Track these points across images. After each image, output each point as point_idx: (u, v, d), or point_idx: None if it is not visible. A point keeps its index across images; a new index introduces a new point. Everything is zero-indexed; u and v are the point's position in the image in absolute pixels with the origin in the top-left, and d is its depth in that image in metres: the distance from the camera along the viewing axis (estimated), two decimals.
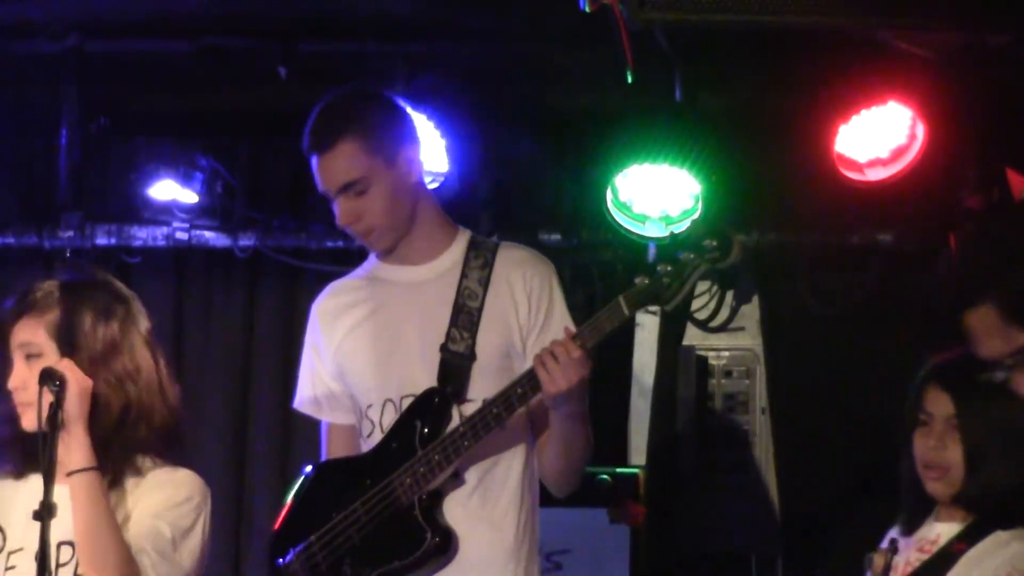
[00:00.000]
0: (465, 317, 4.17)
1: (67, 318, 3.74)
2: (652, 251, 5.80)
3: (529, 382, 3.93)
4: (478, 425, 3.98)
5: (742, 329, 6.13)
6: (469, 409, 4.05)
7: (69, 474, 3.62)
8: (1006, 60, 4.96)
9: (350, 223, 4.11)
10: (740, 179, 5.59)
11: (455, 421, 4.06)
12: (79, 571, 3.68)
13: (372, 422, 4.16)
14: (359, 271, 4.36)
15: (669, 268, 3.93)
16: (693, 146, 5.54)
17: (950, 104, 5.39)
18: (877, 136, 5.47)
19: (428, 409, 4.08)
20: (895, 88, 5.40)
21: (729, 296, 6.09)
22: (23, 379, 3.71)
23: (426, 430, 4.05)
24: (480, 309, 4.14)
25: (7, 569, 3.75)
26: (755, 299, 6.11)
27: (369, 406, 4.16)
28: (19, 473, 3.74)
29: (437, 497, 4.06)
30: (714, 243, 3.93)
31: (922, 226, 5.79)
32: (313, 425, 4.44)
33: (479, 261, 4.22)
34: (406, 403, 4.12)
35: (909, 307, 5.71)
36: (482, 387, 4.06)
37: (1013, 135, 5.43)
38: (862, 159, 5.49)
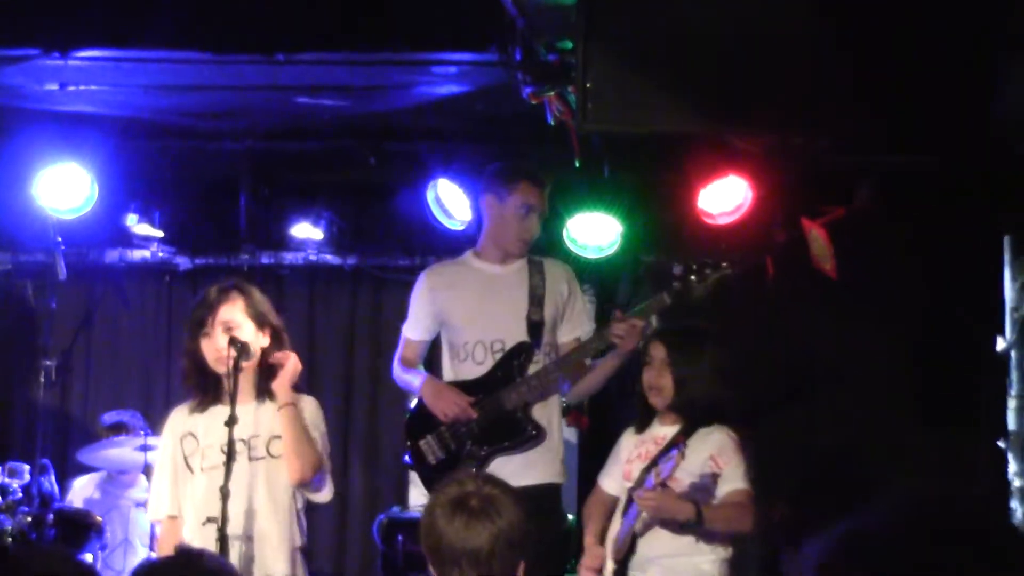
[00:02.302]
0: (536, 299, 4.96)
1: (253, 303, 4.26)
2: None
3: (600, 343, 4.84)
4: (561, 364, 4.88)
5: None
6: (541, 354, 4.87)
7: (280, 408, 4.21)
8: (803, 152, 5.34)
9: (535, 233, 4.99)
10: (645, 223, 6.49)
11: (537, 361, 4.85)
12: (252, 456, 4.22)
13: (467, 352, 4.94)
14: (455, 261, 5.11)
15: (695, 279, 4.83)
16: (615, 203, 6.42)
17: (767, 178, 6.12)
18: (724, 197, 6.26)
19: (520, 352, 4.94)
20: (734, 168, 6.18)
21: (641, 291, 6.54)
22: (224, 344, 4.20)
23: (519, 365, 4.91)
24: (543, 295, 4.96)
25: (204, 457, 4.29)
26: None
27: (465, 343, 4.96)
28: (208, 405, 4.30)
29: (528, 406, 4.91)
30: (715, 273, 4.84)
31: (750, 251, 6.18)
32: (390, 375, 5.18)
33: (536, 268, 4.98)
34: (495, 345, 4.88)
35: (747, 297, 5.96)
36: (546, 339, 4.95)
37: (804, 196, 5.99)
38: (715, 211, 6.28)
